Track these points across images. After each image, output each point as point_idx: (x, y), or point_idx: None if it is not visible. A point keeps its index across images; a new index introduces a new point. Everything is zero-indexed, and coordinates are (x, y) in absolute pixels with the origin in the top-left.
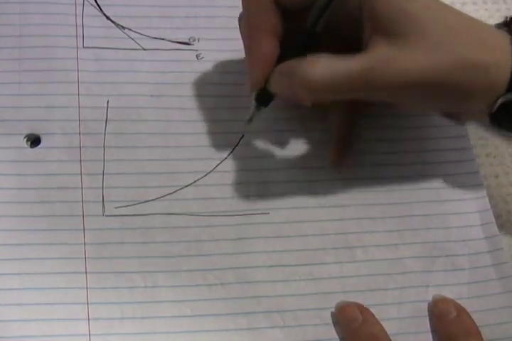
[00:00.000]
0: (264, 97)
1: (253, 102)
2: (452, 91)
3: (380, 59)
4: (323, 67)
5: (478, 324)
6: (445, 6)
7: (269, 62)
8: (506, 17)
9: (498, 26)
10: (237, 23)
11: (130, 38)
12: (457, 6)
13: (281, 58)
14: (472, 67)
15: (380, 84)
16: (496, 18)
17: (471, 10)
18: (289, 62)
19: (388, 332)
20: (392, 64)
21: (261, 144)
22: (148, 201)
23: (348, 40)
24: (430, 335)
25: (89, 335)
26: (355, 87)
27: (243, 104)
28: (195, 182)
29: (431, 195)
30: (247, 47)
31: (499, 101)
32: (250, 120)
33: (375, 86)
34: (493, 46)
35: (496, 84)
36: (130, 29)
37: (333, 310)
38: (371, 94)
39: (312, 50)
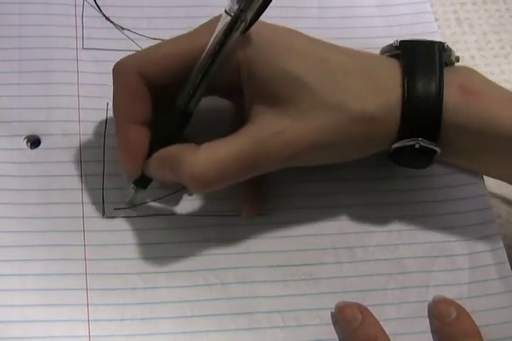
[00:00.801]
0: (142, 181)
1: (132, 186)
2: (347, 146)
3: (267, 131)
4: (207, 158)
5: (478, 324)
6: (330, 50)
7: (141, 154)
8: (395, 41)
9: (388, 49)
10: None
11: (130, 38)
12: (457, 7)
13: (157, 142)
14: (364, 121)
15: (273, 158)
16: (495, 18)
17: (470, 10)
18: (166, 152)
19: (388, 332)
20: (282, 134)
21: None
22: (148, 202)
23: (235, 95)
24: (430, 335)
25: (89, 337)
26: (247, 168)
27: (242, 104)
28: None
29: (431, 194)
30: (117, 138)
31: (393, 146)
32: (131, 203)
33: (269, 161)
34: (382, 88)
35: (389, 131)
36: (130, 30)
37: (333, 310)
38: (266, 170)
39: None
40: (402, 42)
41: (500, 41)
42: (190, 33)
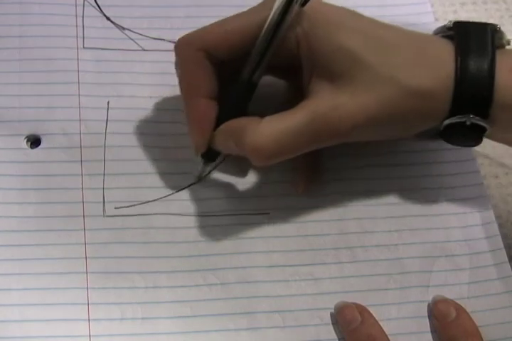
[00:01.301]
0: (210, 154)
1: (200, 159)
2: (402, 121)
3: (326, 106)
4: (269, 132)
5: (478, 324)
6: (382, 27)
7: (208, 126)
8: (449, 21)
9: (441, 30)
10: None
11: (130, 38)
12: (457, 7)
13: (223, 115)
14: (418, 96)
15: (331, 132)
16: (495, 18)
17: (470, 10)
18: (231, 124)
19: (388, 333)
20: (340, 109)
21: None
22: (149, 201)
23: (292, 74)
24: (430, 335)
25: (90, 336)
26: (307, 141)
27: None
28: (195, 182)
29: (431, 194)
30: (185, 111)
31: (445, 123)
32: (200, 177)
33: (327, 135)
34: (436, 65)
35: (442, 107)
36: (130, 30)
37: (332, 310)
38: (324, 144)
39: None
40: (456, 23)
41: None
42: (250, 10)
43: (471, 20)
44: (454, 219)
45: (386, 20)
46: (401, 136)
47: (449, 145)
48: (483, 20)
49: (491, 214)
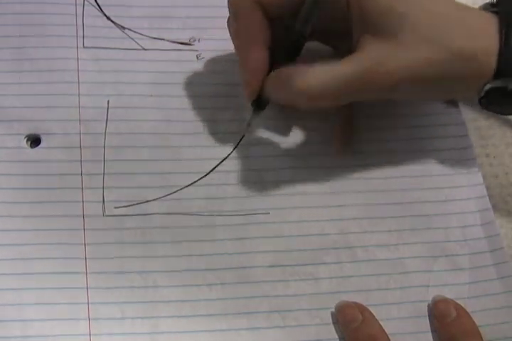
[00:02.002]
0: (260, 102)
1: (251, 107)
2: (444, 82)
3: (372, 60)
4: (317, 75)
5: (478, 324)
6: None
7: (262, 73)
8: None
9: (485, 7)
10: None
11: (130, 38)
12: None
13: (274, 63)
14: (462, 58)
15: (375, 86)
16: None
17: None
18: (282, 70)
19: (388, 332)
20: (385, 64)
21: (261, 144)
22: (149, 201)
23: (338, 39)
24: (430, 335)
25: (90, 335)
26: (350, 91)
27: (242, 104)
28: (195, 182)
29: (431, 194)
30: (240, 59)
31: (486, 88)
32: (249, 124)
33: (371, 88)
34: (480, 33)
35: (484, 71)
36: (130, 29)
37: (333, 310)
38: (367, 96)
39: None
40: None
41: None
42: None
43: None
44: (454, 219)
45: None
46: (443, 98)
47: (449, 145)
48: None
49: (491, 214)
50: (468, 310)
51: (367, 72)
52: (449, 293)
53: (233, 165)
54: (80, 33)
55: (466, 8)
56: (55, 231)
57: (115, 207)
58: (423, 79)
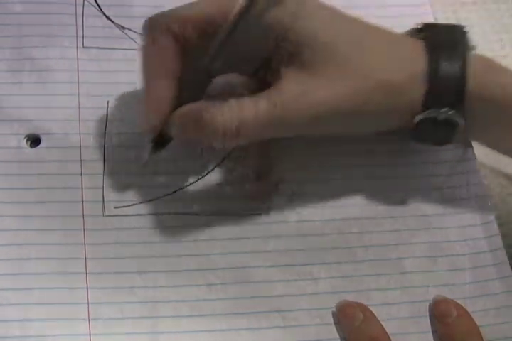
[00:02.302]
0: (161, 139)
1: (149, 144)
2: (370, 115)
3: (293, 93)
4: (233, 112)
5: (478, 324)
6: (360, 24)
7: (166, 107)
8: (419, 23)
9: (412, 33)
10: None
11: (130, 38)
12: (457, 7)
13: (182, 99)
14: (389, 90)
15: (295, 120)
16: (496, 18)
17: (471, 10)
18: (191, 107)
19: (388, 332)
20: (307, 97)
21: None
22: (148, 201)
23: (256, 71)
24: (431, 335)
25: (90, 335)
26: (270, 127)
27: None
28: (195, 182)
29: (431, 194)
30: (144, 91)
31: (416, 119)
32: (147, 163)
33: (291, 122)
34: (408, 63)
35: (413, 102)
36: (130, 29)
37: (333, 310)
38: (289, 132)
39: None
40: (426, 24)
41: (500, 41)
42: None
43: (471, 20)
44: (454, 219)
45: (386, 21)
46: (370, 131)
47: (449, 145)
48: (483, 20)
49: (491, 214)
50: (469, 310)
51: (288, 105)
52: (449, 293)
53: (232, 164)
54: (80, 33)
55: (395, 36)
56: (55, 231)
57: (115, 207)
58: (346, 111)
